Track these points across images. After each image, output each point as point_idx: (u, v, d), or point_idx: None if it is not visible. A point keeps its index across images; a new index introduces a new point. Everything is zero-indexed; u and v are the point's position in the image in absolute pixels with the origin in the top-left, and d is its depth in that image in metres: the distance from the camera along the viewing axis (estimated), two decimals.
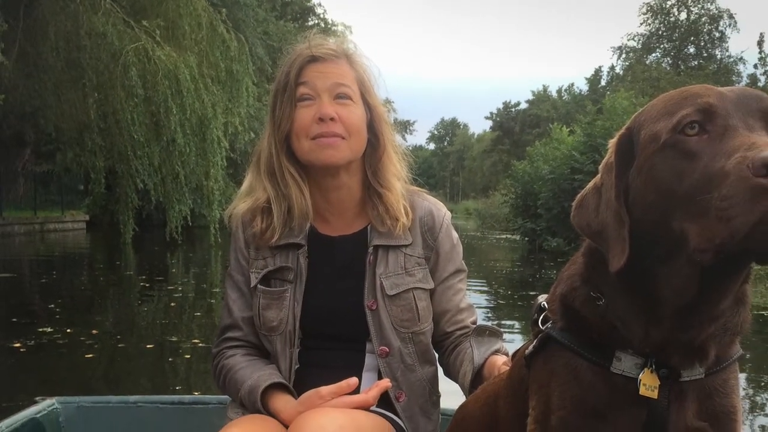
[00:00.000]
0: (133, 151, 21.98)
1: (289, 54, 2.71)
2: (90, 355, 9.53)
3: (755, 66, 44.60)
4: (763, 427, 7.20)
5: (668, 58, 68.36)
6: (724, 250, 1.36)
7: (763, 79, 43.13)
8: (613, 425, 1.67)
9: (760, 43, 43.77)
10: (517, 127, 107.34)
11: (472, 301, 2.91)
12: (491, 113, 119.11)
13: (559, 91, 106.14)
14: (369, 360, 2.67)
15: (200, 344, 10.11)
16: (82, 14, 21.06)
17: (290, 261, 2.67)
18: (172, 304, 14.76)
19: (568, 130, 38.45)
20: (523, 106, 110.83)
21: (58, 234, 37.65)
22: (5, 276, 19.39)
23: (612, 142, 1.70)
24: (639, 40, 70.45)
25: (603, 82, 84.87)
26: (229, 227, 2.83)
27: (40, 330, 10.94)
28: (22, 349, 9.65)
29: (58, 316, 12.80)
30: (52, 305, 14.19)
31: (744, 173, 1.31)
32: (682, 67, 61.95)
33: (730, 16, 65.96)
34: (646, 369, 1.65)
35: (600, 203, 1.67)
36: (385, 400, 2.60)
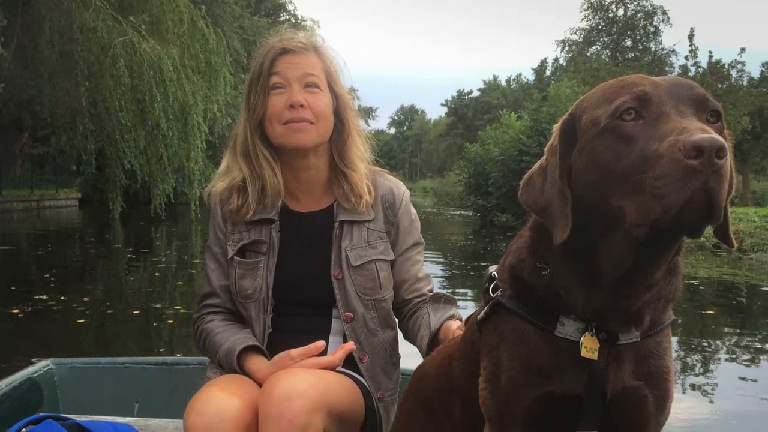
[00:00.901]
0: (121, 135, 22.11)
1: (263, 47, 2.71)
2: (82, 321, 9.46)
3: (686, 58, 44.57)
4: (693, 385, 7.27)
5: (607, 51, 68.34)
6: (657, 225, 1.36)
7: (693, 69, 43.24)
8: (557, 384, 1.68)
9: (690, 37, 43.80)
10: (469, 113, 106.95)
11: (429, 271, 2.92)
12: (446, 100, 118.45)
13: (508, 81, 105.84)
14: (335, 325, 2.68)
15: (182, 310, 10.07)
16: (74, 10, 21.01)
17: (264, 235, 2.68)
18: (156, 273, 14.74)
19: (517, 115, 38.36)
20: (476, 94, 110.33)
21: (52, 210, 37.40)
22: (4, 248, 19.36)
23: (556, 127, 1.69)
24: (580, 34, 70.36)
25: (548, 72, 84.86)
26: (208, 204, 2.83)
27: (37, 297, 10.90)
28: (20, 315, 9.60)
29: (52, 285, 12.75)
30: (48, 275, 14.10)
31: (676, 155, 1.32)
32: (619, 58, 61.77)
33: (664, 12, 66.07)
34: (587, 333, 1.65)
35: (545, 182, 1.67)
36: (350, 362, 2.62)
